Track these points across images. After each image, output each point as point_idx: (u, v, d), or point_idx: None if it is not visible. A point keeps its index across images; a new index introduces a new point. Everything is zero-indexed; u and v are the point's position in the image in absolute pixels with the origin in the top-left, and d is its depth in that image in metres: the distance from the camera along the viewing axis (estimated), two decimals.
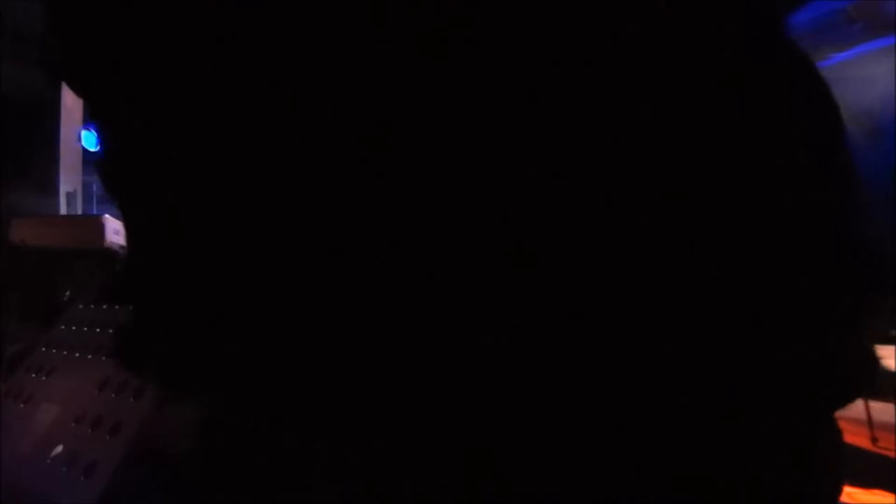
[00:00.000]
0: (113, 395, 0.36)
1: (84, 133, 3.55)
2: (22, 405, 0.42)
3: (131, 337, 0.24)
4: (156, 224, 0.22)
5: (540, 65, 0.18)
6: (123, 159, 0.22)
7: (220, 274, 0.20)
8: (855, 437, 1.49)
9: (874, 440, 1.51)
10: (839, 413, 0.22)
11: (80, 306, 0.50)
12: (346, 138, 0.18)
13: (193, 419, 0.27)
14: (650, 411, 0.19)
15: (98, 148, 0.24)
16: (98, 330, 0.45)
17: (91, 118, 0.24)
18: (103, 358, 0.41)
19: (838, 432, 0.22)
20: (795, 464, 0.20)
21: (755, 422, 0.19)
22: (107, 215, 1.04)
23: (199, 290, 0.21)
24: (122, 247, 1.02)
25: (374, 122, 0.18)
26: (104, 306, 0.47)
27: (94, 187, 3.68)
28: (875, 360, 0.22)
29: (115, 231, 1.03)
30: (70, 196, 3.42)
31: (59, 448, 0.35)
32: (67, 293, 0.77)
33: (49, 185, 3.30)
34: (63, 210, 3.30)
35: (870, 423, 1.46)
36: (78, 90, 0.24)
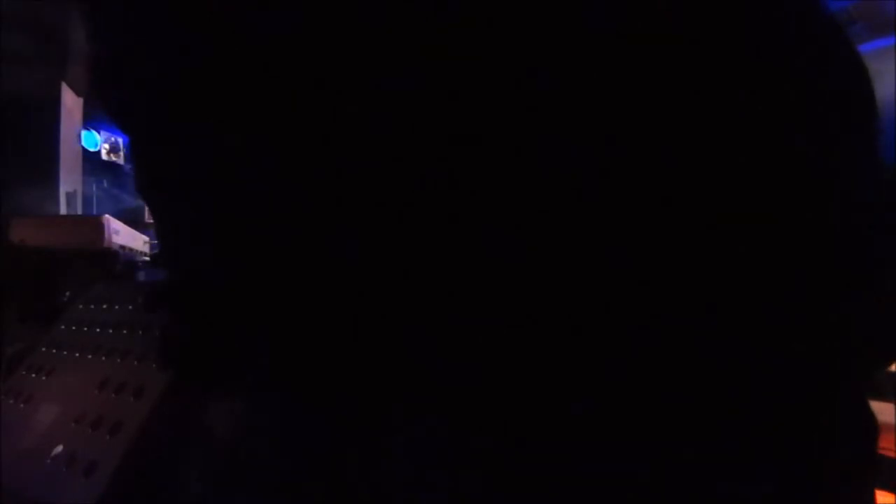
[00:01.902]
0: (113, 395, 0.36)
1: (84, 133, 3.55)
2: (22, 405, 0.42)
3: (177, 339, 0.24)
4: (199, 227, 0.22)
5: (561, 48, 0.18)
6: (163, 165, 0.22)
7: (263, 275, 0.20)
8: None
9: None
10: None
11: (80, 306, 0.50)
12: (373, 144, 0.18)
13: (209, 417, 0.27)
14: (649, 409, 0.19)
15: (135, 159, 0.24)
16: (98, 330, 0.45)
17: (120, 127, 0.24)
18: (103, 358, 0.41)
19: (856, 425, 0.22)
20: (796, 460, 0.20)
21: (755, 418, 0.19)
22: (107, 215, 1.04)
23: (242, 290, 0.21)
24: (121, 247, 1.02)
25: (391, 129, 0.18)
26: (104, 306, 0.47)
27: (94, 187, 3.68)
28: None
29: (115, 231, 1.03)
30: (70, 196, 3.42)
31: (59, 448, 0.35)
32: (67, 293, 0.77)
33: (49, 185, 3.30)
34: (63, 210, 3.30)
35: None
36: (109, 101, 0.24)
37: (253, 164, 0.19)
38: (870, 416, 0.22)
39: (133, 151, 0.24)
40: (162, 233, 0.24)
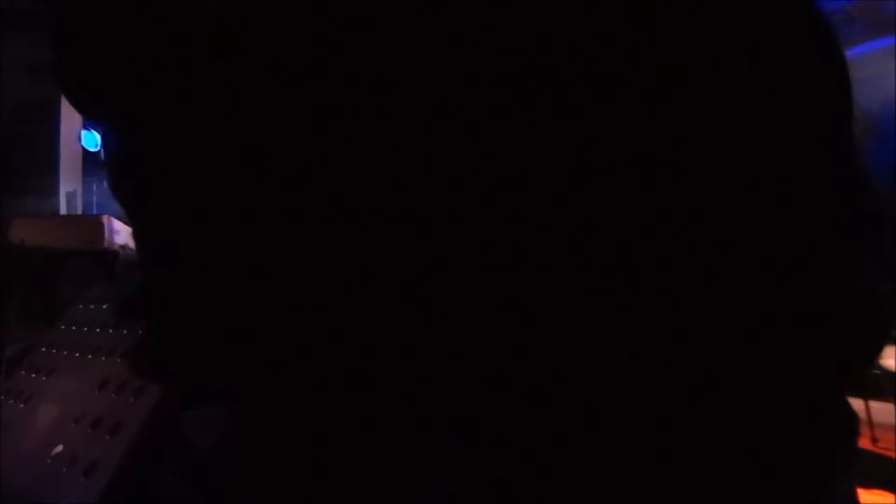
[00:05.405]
0: (113, 395, 0.36)
1: (84, 133, 3.55)
2: (22, 405, 0.42)
3: (155, 351, 0.24)
4: (178, 237, 0.21)
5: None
6: (145, 169, 0.22)
7: (248, 286, 0.20)
8: None
9: (874, 440, 1.51)
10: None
11: (80, 306, 0.50)
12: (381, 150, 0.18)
13: (203, 422, 0.27)
14: (662, 410, 0.19)
15: (107, 156, 0.23)
16: (98, 330, 0.45)
17: (100, 122, 0.24)
18: (103, 358, 0.41)
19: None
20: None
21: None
22: (107, 215, 1.04)
23: (227, 303, 0.21)
24: (122, 247, 1.02)
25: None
26: (104, 306, 0.47)
27: (94, 187, 3.68)
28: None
29: (115, 231, 1.04)
30: (70, 196, 3.42)
31: (59, 448, 0.35)
32: (67, 293, 0.77)
33: (49, 185, 3.31)
34: (63, 210, 3.30)
35: (870, 423, 1.47)
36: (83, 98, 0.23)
37: (279, 176, 0.19)
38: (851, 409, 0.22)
39: (112, 144, 0.23)
40: (150, 242, 0.24)
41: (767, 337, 0.19)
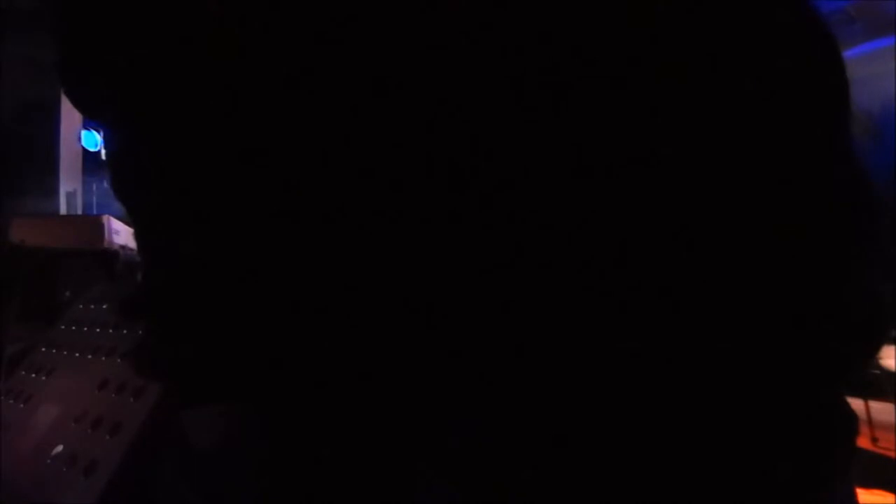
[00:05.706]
0: (113, 395, 0.36)
1: (84, 133, 3.55)
2: (22, 405, 0.42)
3: (156, 351, 0.24)
4: (179, 235, 0.21)
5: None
6: (148, 167, 0.22)
7: (251, 287, 0.20)
8: None
9: (874, 440, 1.51)
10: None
11: (80, 306, 0.50)
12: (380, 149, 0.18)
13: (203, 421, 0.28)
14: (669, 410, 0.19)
15: (108, 155, 0.24)
16: (98, 330, 0.45)
17: (103, 121, 0.24)
18: (103, 358, 0.41)
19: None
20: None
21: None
22: (107, 215, 1.04)
23: (227, 302, 0.21)
24: (122, 247, 1.02)
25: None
26: (104, 306, 0.47)
27: (94, 187, 3.68)
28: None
29: (115, 231, 1.03)
30: (70, 196, 3.42)
31: (59, 448, 0.35)
32: (67, 293, 0.77)
33: (49, 185, 3.31)
34: (63, 210, 3.30)
35: (870, 423, 1.46)
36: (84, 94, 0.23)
37: (284, 172, 0.19)
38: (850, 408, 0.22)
39: (113, 144, 0.23)
40: (152, 241, 0.24)
41: (767, 337, 0.19)
